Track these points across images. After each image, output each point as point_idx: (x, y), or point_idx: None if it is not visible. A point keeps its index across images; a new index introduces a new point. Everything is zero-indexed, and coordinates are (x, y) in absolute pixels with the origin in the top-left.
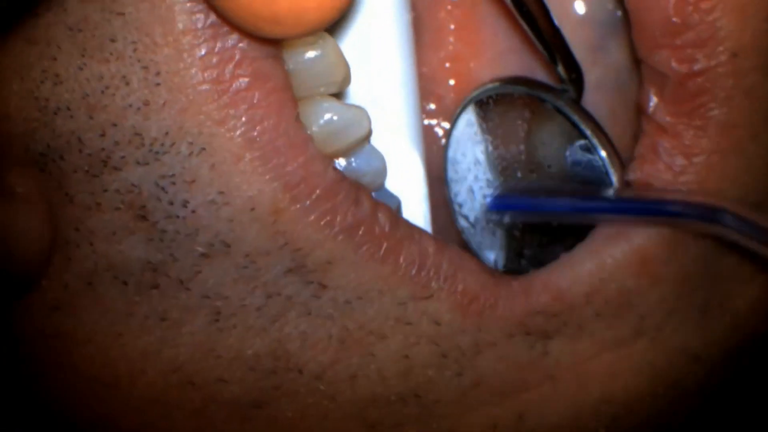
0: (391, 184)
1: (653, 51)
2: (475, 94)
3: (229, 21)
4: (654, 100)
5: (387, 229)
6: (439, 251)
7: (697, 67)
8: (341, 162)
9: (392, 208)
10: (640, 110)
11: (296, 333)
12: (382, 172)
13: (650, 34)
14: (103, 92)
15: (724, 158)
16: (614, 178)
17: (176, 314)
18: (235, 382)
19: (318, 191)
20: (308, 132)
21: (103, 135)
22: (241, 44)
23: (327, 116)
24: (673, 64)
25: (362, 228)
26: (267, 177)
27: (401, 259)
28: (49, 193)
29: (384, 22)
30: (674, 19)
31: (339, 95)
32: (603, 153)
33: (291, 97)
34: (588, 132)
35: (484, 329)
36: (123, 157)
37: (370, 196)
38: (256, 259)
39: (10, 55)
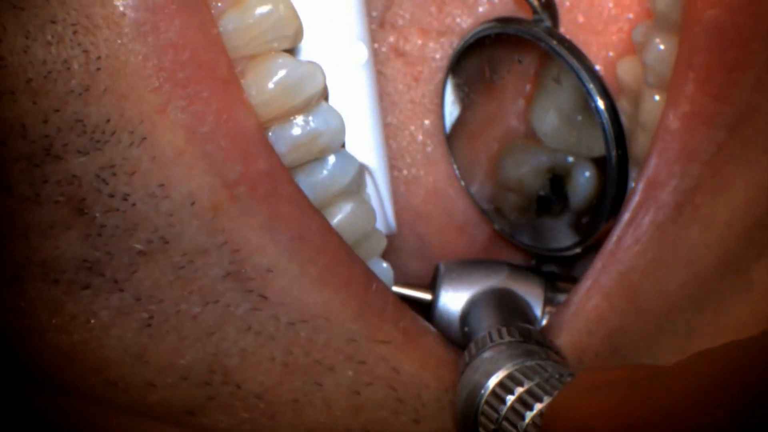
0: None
1: None
2: (457, 49)
3: None
4: None
5: (340, 254)
6: (398, 303)
7: None
8: (299, 121)
9: (352, 172)
10: None
11: (235, 349)
12: (340, 131)
13: None
14: (45, 77)
15: None
16: (597, 99)
17: (105, 317)
18: (165, 388)
19: (260, 191)
20: (253, 103)
21: (45, 121)
22: (184, 31)
23: (281, 72)
24: None
25: (309, 243)
26: (206, 171)
27: (351, 291)
28: None
29: None
30: None
31: (292, 53)
32: (582, 74)
33: (236, 88)
34: (564, 56)
35: (452, 392)
36: (65, 145)
37: (324, 220)
38: (194, 258)
39: None
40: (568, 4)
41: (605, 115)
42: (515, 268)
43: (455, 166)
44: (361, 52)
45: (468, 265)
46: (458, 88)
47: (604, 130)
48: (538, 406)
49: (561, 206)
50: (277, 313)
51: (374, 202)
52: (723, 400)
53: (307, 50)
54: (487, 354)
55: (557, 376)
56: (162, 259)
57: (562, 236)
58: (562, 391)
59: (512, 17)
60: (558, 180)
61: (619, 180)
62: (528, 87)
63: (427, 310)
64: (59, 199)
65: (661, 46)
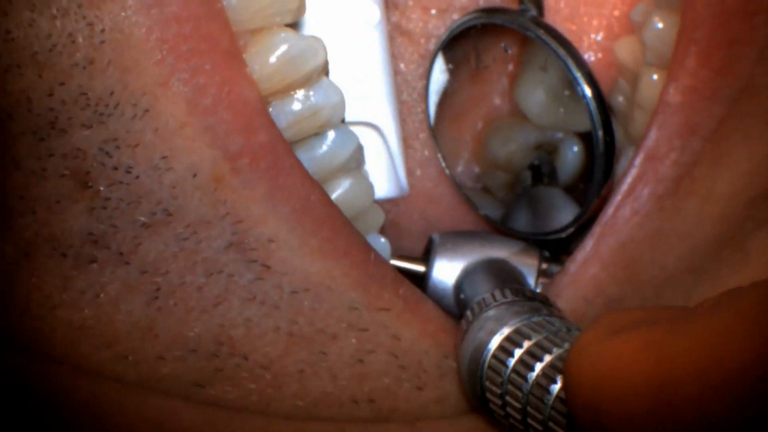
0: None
1: None
2: (443, 39)
3: None
4: None
5: (340, 225)
6: (396, 273)
7: None
8: (299, 95)
9: (352, 147)
10: None
11: (241, 319)
12: (340, 106)
13: None
14: (51, 50)
15: None
16: (584, 86)
17: (113, 290)
18: (174, 361)
19: (261, 163)
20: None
21: (51, 95)
22: (187, 3)
23: (283, 46)
24: None
25: (309, 215)
26: (208, 143)
27: (351, 260)
28: None
29: None
30: None
31: (296, 27)
32: (569, 62)
33: (238, 61)
34: (552, 45)
35: (452, 358)
36: (70, 118)
37: (323, 192)
38: (197, 230)
39: None
40: None
41: (593, 103)
42: (509, 240)
43: (439, 154)
44: (373, 12)
45: (462, 236)
46: (445, 75)
47: (591, 118)
48: (548, 357)
49: (550, 179)
50: (280, 282)
51: (386, 164)
52: (755, 336)
53: (321, 10)
54: (490, 313)
55: (565, 330)
56: (166, 231)
57: (552, 220)
58: (585, 333)
59: (498, 7)
60: (546, 156)
61: (606, 165)
62: (510, 66)
63: (420, 282)
64: (65, 172)
65: (660, 25)
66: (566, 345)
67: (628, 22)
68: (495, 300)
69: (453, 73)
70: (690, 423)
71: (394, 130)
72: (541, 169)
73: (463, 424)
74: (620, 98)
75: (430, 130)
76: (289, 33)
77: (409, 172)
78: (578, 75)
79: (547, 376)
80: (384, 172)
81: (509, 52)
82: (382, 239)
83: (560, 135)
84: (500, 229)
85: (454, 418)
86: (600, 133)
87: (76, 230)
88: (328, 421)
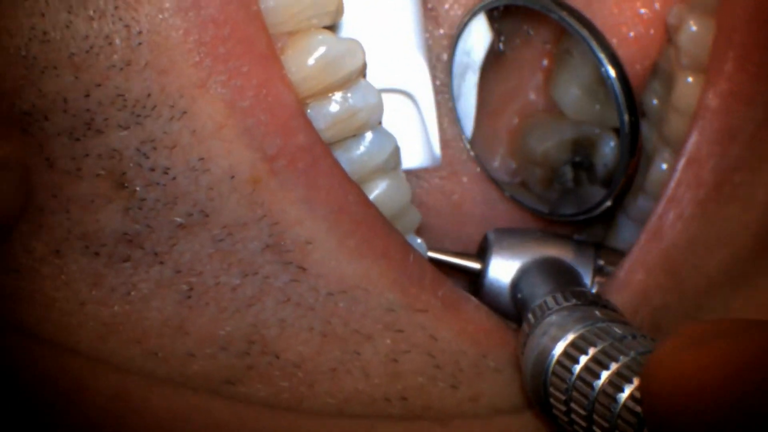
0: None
1: None
2: (464, 20)
3: None
4: None
5: (378, 225)
6: (437, 273)
7: None
8: (337, 97)
9: (389, 148)
10: None
11: (274, 320)
12: (378, 107)
13: None
14: (87, 52)
15: None
16: (605, 64)
17: (146, 288)
18: (205, 358)
19: (299, 165)
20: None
21: (87, 96)
22: (224, 6)
23: (321, 49)
24: None
25: (347, 215)
26: (246, 145)
27: (388, 261)
28: (29, 158)
29: None
30: None
31: (333, 29)
32: (593, 43)
33: (275, 63)
34: (575, 26)
35: (490, 357)
36: (106, 119)
37: (361, 193)
38: (233, 231)
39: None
40: None
41: (617, 84)
42: (564, 238)
43: (468, 146)
44: None
45: (516, 234)
46: (468, 57)
47: (616, 98)
48: (614, 366)
49: (589, 176)
50: (316, 285)
51: (419, 133)
52: None
53: None
54: (553, 318)
55: (629, 337)
56: (202, 232)
57: (577, 202)
58: (665, 343)
59: None
60: (583, 151)
61: (631, 147)
62: (545, 61)
63: (475, 279)
64: (100, 172)
65: (694, 28)
66: (632, 353)
67: (663, 24)
68: (557, 304)
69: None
70: None
71: (428, 98)
72: (581, 165)
73: (496, 424)
74: (654, 101)
75: (455, 118)
76: (327, 35)
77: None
78: (602, 56)
79: (614, 384)
80: (417, 142)
81: (531, 34)
82: (419, 240)
83: (597, 130)
84: (539, 216)
85: (488, 417)
86: (626, 114)
87: (110, 230)
88: (359, 418)
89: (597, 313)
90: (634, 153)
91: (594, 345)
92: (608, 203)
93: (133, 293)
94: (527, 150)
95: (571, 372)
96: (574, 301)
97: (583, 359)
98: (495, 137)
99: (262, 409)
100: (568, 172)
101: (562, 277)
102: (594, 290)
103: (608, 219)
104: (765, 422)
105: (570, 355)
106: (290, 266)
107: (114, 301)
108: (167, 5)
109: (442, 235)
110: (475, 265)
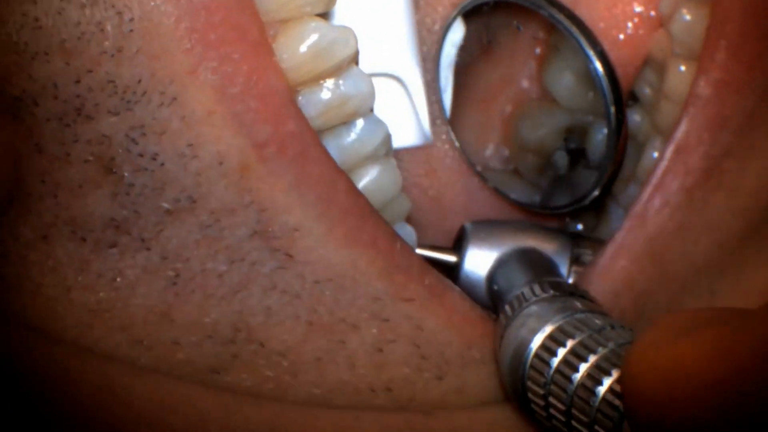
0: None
1: None
2: (453, 14)
3: None
4: None
5: (366, 214)
6: (423, 263)
7: None
8: (329, 84)
9: (381, 136)
10: None
11: (260, 307)
12: (370, 95)
13: None
14: (79, 38)
15: None
16: (595, 60)
17: (132, 275)
18: (190, 346)
19: (288, 152)
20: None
21: (78, 81)
22: None
23: (313, 36)
24: None
25: (335, 204)
26: (235, 132)
27: (376, 250)
28: (19, 143)
29: None
30: None
31: (326, 16)
32: (581, 40)
33: (267, 51)
34: (564, 23)
35: (475, 348)
36: (96, 105)
37: (350, 182)
38: (220, 218)
39: None
40: None
41: (605, 81)
42: (541, 228)
43: (454, 137)
44: None
45: (493, 225)
46: (456, 50)
47: (603, 94)
48: (592, 358)
49: (582, 163)
50: (302, 272)
51: (410, 114)
52: None
53: None
54: (531, 309)
55: (608, 328)
56: (189, 218)
57: (570, 190)
58: (645, 335)
59: None
60: (576, 139)
61: (617, 139)
62: (538, 49)
63: (451, 272)
64: (89, 158)
65: (687, 17)
66: (611, 344)
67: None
68: (535, 295)
69: (465, 49)
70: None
71: (417, 81)
72: (575, 152)
73: (481, 415)
74: (647, 90)
75: (440, 112)
76: (320, 22)
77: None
78: (591, 53)
79: (592, 377)
80: (407, 123)
81: (521, 29)
82: (408, 228)
83: (590, 118)
84: (526, 209)
85: (473, 408)
86: (612, 110)
87: (97, 215)
88: (344, 409)
89: (576, 303)
90: (619, 144)
91: (572, 337)
92: (596, 193)
93: (119, 279)
94: (521, 138)
95: (549, 365)
96: (551, 292)
97: (562, 351)
98: (488, 125)
99: (247, 399)
100: (562, 160)
101: (538, 267)
102: (571, 280)
103: (599, 208)
104: (754, 414)
105: (548, 348)
106: (277, 253)
107: (100, 288)
108: None
109: (424, 227)
110: (451, 258)
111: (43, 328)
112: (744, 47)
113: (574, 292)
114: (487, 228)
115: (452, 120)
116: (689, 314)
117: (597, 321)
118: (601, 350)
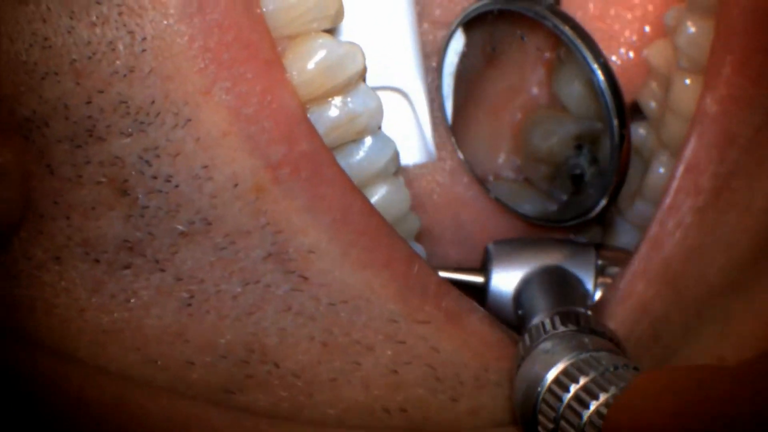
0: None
1: None
2: (456, 22)
3: None
4: None
5: (382, 235)
6: (442, 284)
7: None
8: (337, 102)
9: (389, 153)
10: None
11: (274, 329)
12: (378, 112)
13: None
14: (90, 58)
15: None
16: (598, 73)
17: (146, 296)
18: (204, 366)
19: (303, 173)
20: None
21: (89, 102)
22: (229, 11)
23: (321, 52)
24: None
25: (351, 225)
26: (250, 153)
27: (392, 272)
28: (29, 165)
29: None
30: None
31: (333, 32)
32: (585, 52)
33: (279, 69)
34: (566, 33)
35: (492, 371)
36: (108, 126)
37: (366, 201)
38: (235, 240)
39: (0, 15)
40: None
41: (608, 94)
42: (563, 243)
43: (459, 152)
44: None
45: (516, 244)
46: (458, 63)
47: (606, 107)
48: (594, 404)
49: (594, 171)
50: (317, 294)
51: (413, 130)
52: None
53: None
54: (543, 345)
55: (612, 369)
56: (204, 240)
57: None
58: (626, 393)
59: None
60: (587, 146)
61: (620, 152)
62: (547, 54)
63: (480, 293)
64: (101, 180)
65: (692, 29)
66: (612, 389)
67: (661, 25)
68: (545, 331)
69: (468, 58)
70: None
71: (421, 95)
72: (586, 160)
73: None
74: (652, 103)
75: (444, 122)
76: (328, 39)
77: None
78: (594, 66)
79: (592, 423)
80: (411, 139)
81: (525, 39)
82: (419, 247)
83: (600, 125)
84: (532, 222)
85: (488, 429)
86: (615, 122)
87: (111, 237)
88: (359, 429)
89: (587, 340)
90: (622, 156)
91: (576, 381)
92: (601, 205)
93: (133, 300)
94: (532, 147)
95: (555, 410)
96: (562, 328)
97: (566, 397)
98: (499, 134)
99: (261, 419)
100: (573, 168)
101: (561, 288)
102: (598, 292)
103: (605, 222)
104: None
105: (554, 393)
106: (292, 275)
107: (114, 308)
108: (172, 11)
109: (447, 245)
110: (479, 279)
111: (56, 348)
112: (750, 61)
113: (589, 328)
114: (510, 247)
115: (462, 130)
116: (666, 373)
117: (603, 362)
118: (602, 395)
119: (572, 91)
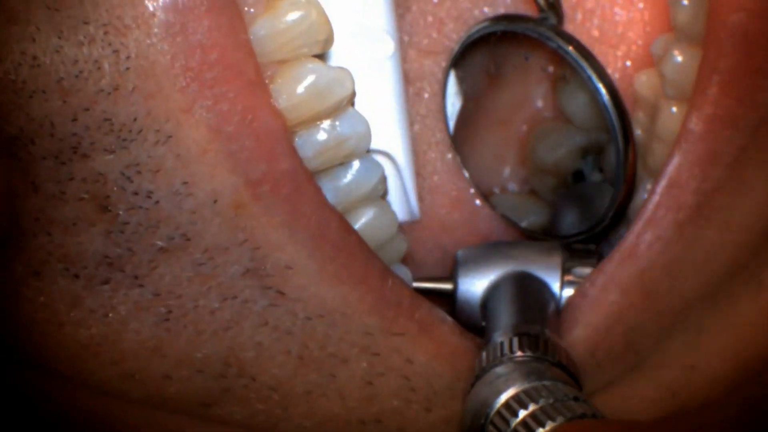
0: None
1: None
2: (459, 44)
3: None
4: None
5: (358, 251)
6: (415, 296)
7: None
8: (325, 125)
9: (376, 177)
10: None
11: (251, 343)
12: (366, 136)
13: None
14: (77, 76)
15: None
16: (603, 92)
17: (124, 311)
18: (181, 380)
19: (282, 190)
20: (280, 108)
21: (75, 120)
22: (212, 32)
23: (310, 77)
24: None
25: (328, 241)
26: (230, 170)
27: (367, 286)
28: (15, 182)
29: None
30: None
31: (322, 57)
32: (588, 71)
33: (263, 90)
34: (571, 53)
35: (464, 380)
36: (92, 143)
37: (342, 219)
38: (214, 255)
39: None
40: (580, 17)
41: (614, 113)
42: (531, 245)
43: (464, 170)
44: (388, 44)
45: (484, 249)
46: (461, 83)
47: (612, 127)
48: (540, 431)
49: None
50: (294, 309)
51: (398, 190)
52: None
53: (335, 42)
54: (498, 369)
55: (562, 399)
56: (183, 255)
57: (569, 224)
58: None
59: (518, 14)
60: (592, 158)
61: (625, 169)
62: (551, 68)
63: (450, 300)
64: (84, 196)
65: (679, 58)
66: (560, 419)
67: (647, 55)
68: (502, 354)
69: (472, 78)
70: None
71: (405, 157)
72: (592, 171)
73: None
74: (638, 131)
75: (450, 142)
76: (317, 63)
77: (421, 199)
78: (599, 85)
79: None
80: (395, 198)
81: (529, 59)
82: (404, 268)
83: (605, 137)
84: (537, 238)
85: None
86: (620, 140)
87: (91, 252)
88: None
89: (543, 368)
90: (628, 172)
91: (525, 407)
92: (605, 222)
93: (111, 315)
94: (538, 159)
95: (508, 424)
96: (519, 353)
97: (514, 422)
98: (505, 146)
99: (238, 431)
100: (580, 179)
101: (525, 301)
102: (565, 293)
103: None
104: None
105: (503, 417)
106: (269, 291)
107: (92, 323)
108: (156, 30)
109: (432, 270)
110: (447, 286)
111: (37, 362)
112: (737, 82)
113: (545, 354)
114: (477, 253)
115: (466, 146)
116: (599, 425)
117: (554, 392)
118: (549, 424)
119: (578, 103)
